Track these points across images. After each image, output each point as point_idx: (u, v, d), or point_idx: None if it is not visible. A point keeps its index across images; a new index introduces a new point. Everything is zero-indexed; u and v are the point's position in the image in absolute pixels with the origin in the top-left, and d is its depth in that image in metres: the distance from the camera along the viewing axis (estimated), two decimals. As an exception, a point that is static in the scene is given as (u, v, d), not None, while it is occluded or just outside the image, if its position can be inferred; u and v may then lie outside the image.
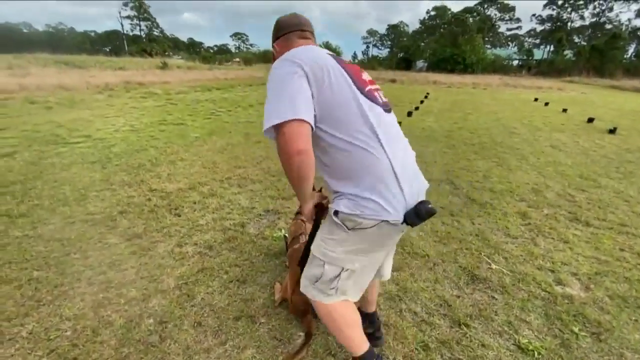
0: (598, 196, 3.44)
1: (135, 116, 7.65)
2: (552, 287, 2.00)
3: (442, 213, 2.98)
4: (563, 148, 5.49)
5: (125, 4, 67.28)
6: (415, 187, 1.05)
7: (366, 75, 1.11)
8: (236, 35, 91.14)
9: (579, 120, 8.51)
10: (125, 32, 69.02)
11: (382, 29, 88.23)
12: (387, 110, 1.11)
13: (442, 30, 54.11)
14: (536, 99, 13.53)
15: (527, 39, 64.95)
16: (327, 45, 64.75)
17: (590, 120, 8.17)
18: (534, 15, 62.85)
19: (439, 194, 3.42)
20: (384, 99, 1.13)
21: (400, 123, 5.19)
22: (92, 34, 75.90)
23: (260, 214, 2.87)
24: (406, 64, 56.91)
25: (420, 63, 55.71)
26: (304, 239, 1.77)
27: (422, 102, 11.65)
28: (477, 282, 2.04)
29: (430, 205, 1.00)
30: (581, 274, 2.14)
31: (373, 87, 1.10)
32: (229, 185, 3.49)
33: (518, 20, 64.00)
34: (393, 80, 24.03)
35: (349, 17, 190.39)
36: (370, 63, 66.86)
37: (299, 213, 2.00)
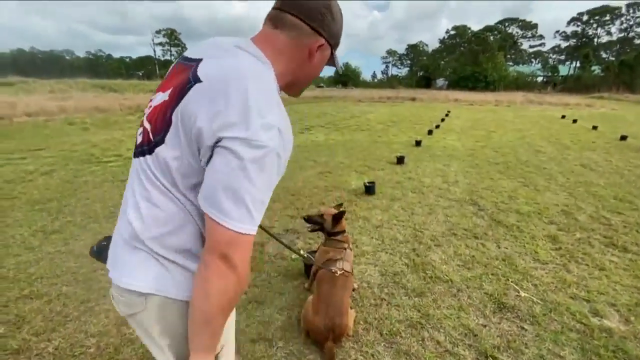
0: (635, 219, 3.23)
1: (162, 136, 8.01)
2: (588, 319, 1.86)
3: (466, 235, 2.88)
4: (595, 167, 5.23)
5: (158, 32, 72.21)
6: None
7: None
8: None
9: (610, 137, 8.12)
10: (157, 57, 73.67)
11: (400, 49, 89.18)
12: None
13: (462, 48, 54.09)
14: (563, 116, 13.08)
15: (551, 55, 63.65)
16: (346, 66, 66.20)
17: (623, 137, 7.77)
18: (557, 31, 61.81)
19: (462, 215, 3.32)
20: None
21: (420, 142, 5.19)
22: (127, 59, 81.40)
23: (279, 233, 2.88)
24: (426, 82, 57.03)
25: (440, 81, 55.62)
26: (341, 264, 1.73)
27: (443, 120, 11.54)
28: (505, 310, 1.94)
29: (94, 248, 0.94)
30: (620, 305, 1.98)
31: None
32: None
33: (541, 37, 63.15)
34: (413, 99, 24.05)
35: (368, 39, 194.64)
36: (390, 82, 67.48)
37: (335, 240, 1.94)
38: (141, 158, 0.70)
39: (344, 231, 1.97)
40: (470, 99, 23.51)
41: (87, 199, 3.74)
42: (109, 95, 20.26)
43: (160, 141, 0.66)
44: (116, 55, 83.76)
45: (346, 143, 7.24)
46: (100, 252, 0.88)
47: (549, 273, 2.32)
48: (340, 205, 2.20)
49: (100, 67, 72.98)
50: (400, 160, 5.39)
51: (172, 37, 72.40)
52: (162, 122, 0.66)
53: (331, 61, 0.81)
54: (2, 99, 14.25)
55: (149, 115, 0.71)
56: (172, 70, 0.75)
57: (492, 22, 62.64)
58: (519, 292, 2.09)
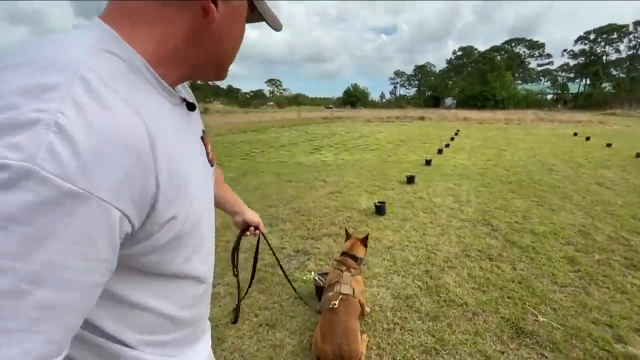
0: (658, 240, 3.12)
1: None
2: (612, 345, 1.78)
3: (480, 257, 2.83)
4: (611, 186, 5.11)
5: None
6: None
7: None
8: (270, 81, 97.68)
9: (626, 155, 7.95)
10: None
11: (408, 70, 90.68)
12: None
13: (469, 68, 54.76)
14: (576, 134, 12.93)
15: (560, 73, 63.67)
16: (355, 87, 67.51)
17: (640, 155, 7.61)
18: (565, 50, 62.09)
19: (475, 235, 3.27)
20: None
21: (430, 161, 5.19)
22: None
23: (290, 255, 2.89)
24: (434, 102, 57.48)
25: (449, 100, 56.02)
26: (339, 287, 1.74)
27: (452, 139, 11.54)
28: (523, 336, 1.87)
29: None
30: (646, 331, 1.90)
31: None
32: (260, 225, 3.58)
33: (549, 55, 63.53)
34: (422, 118, 24.20)
35: (376, 60, 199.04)
36: (398, 102, 68.26)
37: (338, 261, 1.99)
38: None
39: (347, 253, 1.98)
40: (479, 117, 23.52)
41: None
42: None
43: None
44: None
45: (356, 163, 7.29)
46: None
47: (568, 296, 2.25)
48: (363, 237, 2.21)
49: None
50: (410, 180, 5.38)
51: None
52: None
53: (255, 14, 0.50)
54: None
55: None
56: None
57: (498, 43, 63.50)
58: (537, 317, 2.03)
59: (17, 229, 0.28)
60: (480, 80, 46.48)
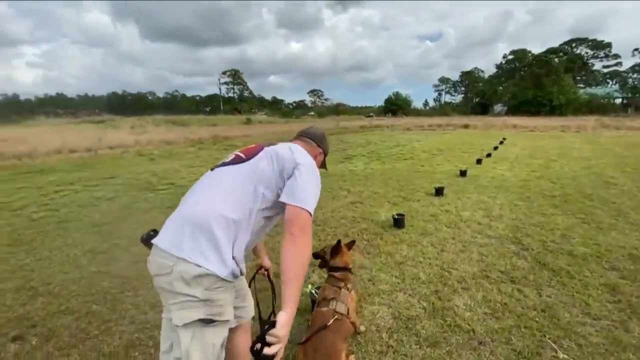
0: None
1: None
2: (648, 396, 1.49)
3: (500, 279, 2.56)
4: (682, 203, 4.39)
5: (224, 73, 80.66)
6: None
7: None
8: (313, 92, 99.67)
9: None
10: (222, 94, 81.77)
11: (454, 76, 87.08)
12: (229, 163, 1.20)
13: (522, 73, 51.03)
14: (647, 142, 11.38)
15: (630, 74, 56.81)
16: (396, 95, 66.30)
17: None
18: (636, 49, 55.35)
19: (501, 254, 2.98)
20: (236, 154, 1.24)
21: (465, 171, 4.91)
22: (197, 97, 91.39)
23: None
24: (482, 109, 54.39)
25: (498, 107, 52.62)
26: (334, 304, 1.62)
27: (495, 148, 10.79)
28: (535, 373, 1.64)
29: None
30: (699, 382, 1.56)
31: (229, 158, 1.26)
32: (276, 233, 3.59)
33: (616, 56, 57.05)
34: (466, 126, 23.00)
35: (420, 68, 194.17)
36: (443, 109, 65.65)
37: (332, 276, 1.86)
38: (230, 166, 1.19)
39: (345, 268, 1.86)
40: (531, 124, 21.74)
41: (136, 223, 4.14)
42: (177, 129, 22.80)
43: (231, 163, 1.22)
44: (189, 94, 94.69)
45: (385, 172, 7.10)
46: (148, 239, 1.11)
47: (600, 331, 1.94)
48: (347, 242, 2.12)
49: (176, 105, 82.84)
50: (439, 192, 5.10)
51: (236, 77, 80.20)
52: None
53: (323, 162, 1.48)
54: (91, 134, 16.83)
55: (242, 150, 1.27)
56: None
57: (556, 44, 58.33)
58: (556, 353, 1.77)
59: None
60: (535, 84, 43.02)
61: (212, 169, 1.21)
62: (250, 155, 1.18)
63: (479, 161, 7.98)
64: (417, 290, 2.42)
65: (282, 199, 1.05)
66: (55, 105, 64.81)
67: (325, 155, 1.46)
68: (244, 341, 1.39)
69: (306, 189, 1.05)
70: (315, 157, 1.32)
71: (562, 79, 40.67)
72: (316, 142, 1.40)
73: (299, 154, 1.18)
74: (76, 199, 5.57)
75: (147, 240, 1.11)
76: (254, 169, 1.13)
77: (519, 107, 41.29)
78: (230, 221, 1.03)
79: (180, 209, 1.11)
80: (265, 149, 1.20)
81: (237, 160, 1.18)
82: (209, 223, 1.00)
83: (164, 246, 1.01)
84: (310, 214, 1.02)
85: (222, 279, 1.01)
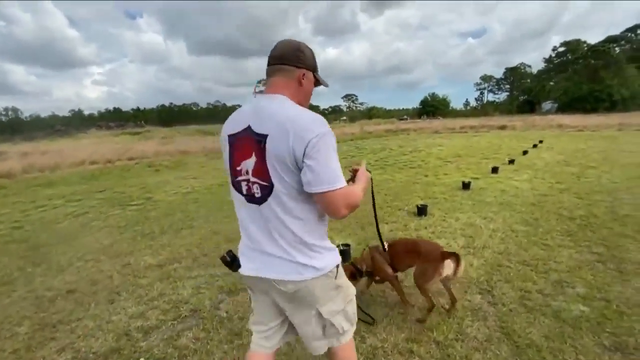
0: None
1: (213, 176, 8.42)
2: None
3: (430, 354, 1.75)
4: None
5: (259, 82, 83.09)
6: None
7: (246, 164, 1.04)
8: (347, 97, 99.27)
9: None
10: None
11: (497, 73, 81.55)
12: (250, 200, 1.06)
13: (575, 66, 46.03)
14: None
15: None
16: (433, 96, 63.51)
17: None
18: None
19: (451, 313, 2.14)
20: (253, 191, 1.05)
21: (468, 184, 4.02)
22: (238, 107, 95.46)
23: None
24: (530, 107, 50.09)
25: (547, 104, 47.89)
26: None
27: (525, 152, 9.37)
28: None
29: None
30: None
31: (242, 177, 1.06)
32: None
33: (695, 40, 49.37)
34: (502, 127, 20.95)
35: (462, 66, 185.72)
36: (484, 109, 61.60)
37: None
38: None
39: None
40: (582, 123, 19.17)
41: (69, 246, 3.83)
42: (203, 139, 23.40)
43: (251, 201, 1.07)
44: (231, 104, 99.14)
45: (378, 185, 6.27)
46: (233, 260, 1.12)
47: None
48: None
49: (217, 115, 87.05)
50: (421, 211, 4.23)
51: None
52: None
53: (317, 80, 1.16)
54: (121, 146, 17.73)
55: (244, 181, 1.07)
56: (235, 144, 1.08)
57: (617, 32, 51.91)
58: None
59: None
60: (590, 78, 38.47)
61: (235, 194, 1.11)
62: (264, 188, 1.02)
63: (494, 170, 6.81)
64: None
65: (310, 190, 0.95)
66: (110, 119, 71.14)
67: (314, 70, 1.13)
68: None
69: (327, 167, 0.94)
70: (300, 83, 1.08)
71: (624, 69, 35.99)
72: (292, 62, 1.07)
73: (293, 131, 0.93)
74: (47, 216, 5.51)
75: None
76: (277, 200, 1.01)
77: (571, 104, 37.21)
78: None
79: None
80: (267, 161, 0.98)
81: (260, 200, 1.04)
82: None
83: None
84: (343, 186, 0.97)
85: None
